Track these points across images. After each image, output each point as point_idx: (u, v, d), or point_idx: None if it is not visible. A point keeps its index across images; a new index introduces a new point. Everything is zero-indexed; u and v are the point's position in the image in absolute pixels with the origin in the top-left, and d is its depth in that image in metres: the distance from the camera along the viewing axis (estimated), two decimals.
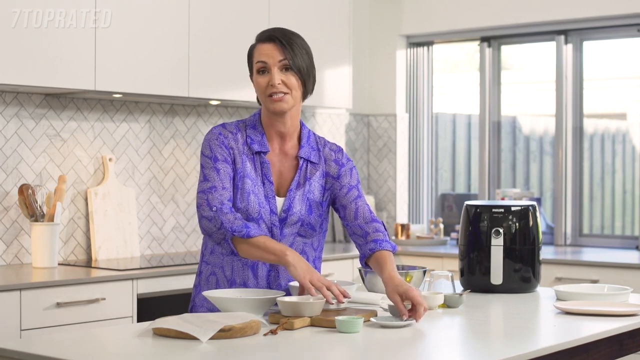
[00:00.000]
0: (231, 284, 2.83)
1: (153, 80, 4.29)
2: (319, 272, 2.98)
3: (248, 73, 2.93)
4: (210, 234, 2.74)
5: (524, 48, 6.72)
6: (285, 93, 2.77)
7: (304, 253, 2.87)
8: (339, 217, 2.95)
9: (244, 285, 2.82)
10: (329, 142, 2.96)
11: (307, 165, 2.87)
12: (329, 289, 2.61)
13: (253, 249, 2.70)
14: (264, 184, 2.81)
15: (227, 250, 2.74)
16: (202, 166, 2.81)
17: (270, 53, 2.77)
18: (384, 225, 2.89)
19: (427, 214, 6.05)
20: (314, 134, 2.94)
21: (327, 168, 2.90)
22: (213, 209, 2.72)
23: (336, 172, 2.90)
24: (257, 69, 2.80)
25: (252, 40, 2.95)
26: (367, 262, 2.83)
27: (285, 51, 2.76)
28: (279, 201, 2.82)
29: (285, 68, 2.77)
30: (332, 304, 2.61)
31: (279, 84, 2.76)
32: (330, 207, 2.96)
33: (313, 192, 2.86)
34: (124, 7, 4.16)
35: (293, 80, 2.78)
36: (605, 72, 6.48)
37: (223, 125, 2.86)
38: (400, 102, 6.01)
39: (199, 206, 2.76)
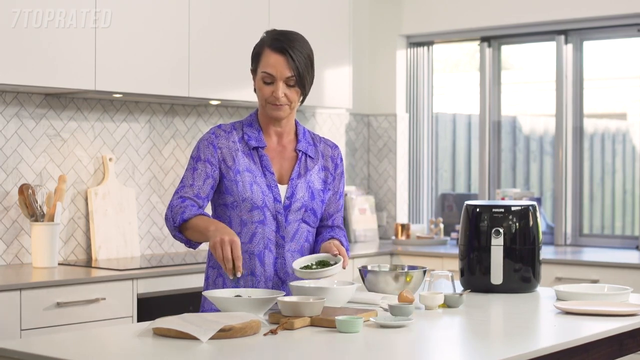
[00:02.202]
0: (238, 278, 2.84)
1: (153, 80, 4.29)
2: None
3: (248, 73, 2.94)
4: (173, 237, 2.83)
5: (524, 48, 6.72)
6: (285, 104, 2.84)
7: (307, 241, 2.94)
8: None
9: (252, 274, 2.85)
10: (324, 138, 3.05)
11: (305, 158, 2.95)
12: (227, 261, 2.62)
13: (191, 232, 2.77)
14: (265, 175, 2.87)
15: (184, 243, 2.82)
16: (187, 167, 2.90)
17: (279, 67, 2.80)
18: (347, 238, 3.03)
19: (427, 214, 6.05)
20: (308, 131, 3.02)
21: (325, 163, 2.99)
22: (168, 207, 2.82)
23: (333, 170, 3.00)
24: (262, 77, 2.83)
25: (252, 40, 2.96)
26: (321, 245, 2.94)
27: (293, 68, 2.80)
28: (282, 189, 2.89)
29: (291, 84, 2.82)
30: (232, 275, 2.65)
31: (282, 97, 2.82)
32: None
33: (313, 182, 2.93)
34: (124, 7, 4.16)
35: (295, 94, 2.85)
36: (605, 72, 6.48)
37: (219, 125, 2.93)
38: (400, 102, 6.01)
39: None
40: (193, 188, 2.82)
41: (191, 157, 2.89)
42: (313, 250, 2.97)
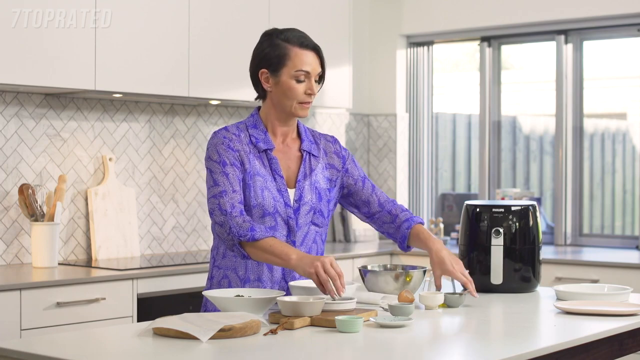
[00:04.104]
0: (244, 283, 2.84)
1: (153, 80, 4.29)
2: None
3: (248, 72, 2.93)
4: (223, 240, 2.78)
5: (524, 48, 6.72)
6: (311, 101, 2.89)
7: (315, 243, 2.93)
8: (360, 212, 3.05)
9: (259, 280, 2.84)
10: (323, 134, 3.05)
11: (309, 158, 2.94)
12: (333, 281, 2.62)
13: (260, 252, 2.73)
14: (275, 179, 2.86)
15: (239, 255, 2.77)
16: (210, 171, 2.82)
17: (314, 64, 2.86)
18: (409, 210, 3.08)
19: (427, 214, 6.05)
20: (307, 128, 3.03)
21: (330, 160, 2.98)
22: (224, 214, 2.75)
23: (341, 165, 3.00)
24: (296, 76, 2.84)
25: (252, 40, 2.96)
26: (408, 242, 2.99)
27: (321, 63, 2.89)
28: (290, 192, 2.88)
29: (317, 80, 2.88)
30: (334, 298, 2.63)
31: (315, 93, 2.88)
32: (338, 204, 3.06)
33: (319, 181, 2.93)
34: (124, 7, 4.16)
35: (317, 89, 2.91)
36: (605, 72, 6.48)
37: (225, 128, 2.89)
38: (400, 102, 6.01)
39: (211, 212, 2.79)
40: (236, 194, 2.78)
41: (213, 161, 2.81)
42: (319, 251, 2.96)
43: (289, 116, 2.89)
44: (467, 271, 2.95)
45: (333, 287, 2.61)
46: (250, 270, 2.84)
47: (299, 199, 2.87)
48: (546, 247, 5.20)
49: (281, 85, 2.85)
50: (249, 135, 2.88)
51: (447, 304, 2.90)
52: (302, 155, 2.93)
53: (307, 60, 2.84)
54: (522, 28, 5.58)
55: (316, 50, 2.87)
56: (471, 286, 2.90)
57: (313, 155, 2.95)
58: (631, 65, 6.05)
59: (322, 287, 2.62)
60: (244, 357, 2.21)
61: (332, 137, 3.05)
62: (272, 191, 2.83)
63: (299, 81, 2.84)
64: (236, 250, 2.76)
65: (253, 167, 2.84)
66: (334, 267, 2.62)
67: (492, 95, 5.79)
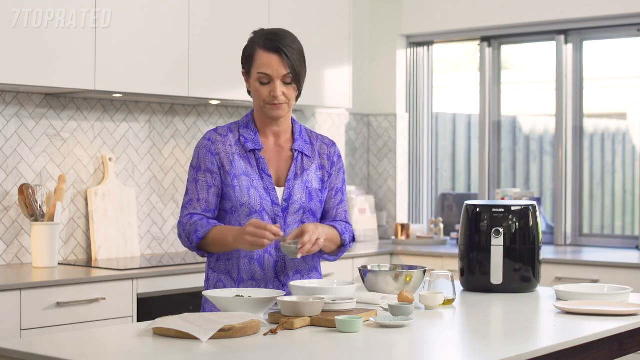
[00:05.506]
0: (239, 284, 2.85)
1: (153, 80, 4.29)
2: (319, 269, 3.00)
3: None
4: (191, 251, 2.85)
5: (524, 48, 6.72)
6: (283, 103, 2.84)
7: None
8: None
9: (252, 279, 2.85)
10: (322, 136, 3.03)
11: (302, 158, 2.93)
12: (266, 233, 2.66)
13: (212, 247, 2.83)
14: (262, 178, 2.86)
15: (203, 256, 2.88)
16: (188, 177, 2.91)
17: (275, 67, 2.81)
18: (353, 233, 2.99)
19: (427, 214, 6.05)
20: (306, 128, 3.01)
21: (322, 161, 2.98)
22: (179, 226, 2.86)
23: (329, 168, 2.98)
24: (258, 78, 2.83)
25: None
26: None
27: (289, 65, 2.81)
28: (279, 191, 2.88)
29: (287, 82, 2.83)
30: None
31: (281, 96, 2.83)
32: None
33: (311, 181, 2.92)
34: (124, 7, 4.16)
35: (292, 91, 2.86)
36: (605, 72, 6.48)
37: (215, 129, 2.92)
38: (400, 102, 6.01)
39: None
40: (200, 203, 2.84)
41: (191, 166, 2.89)
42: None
43: (266, 116, 2.89)
44: (324, 239, 2.75)
45: (271, 235, 2.65)
46: (243, 270, 2.85)
47: (288, 198, 2.87)
48: (546, 247, 5.20)
49: (251, 86, 2.90)
50: (239, 135, 2.89)
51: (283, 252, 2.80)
52: (294, 155, 2.93)
53: (267, 63, 2.82)
54: (522, 28, 5.58)
55: (280, 52, 2.80)
56: (304, 245, 2.70)
57: (306, 155, 2.93)
58: (631, 65, 6.05)
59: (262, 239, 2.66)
60: (244, 357, 2.21)
61: (331, 140, 3.03)
62: (258, 190, 2.84)
63: (262, 83, 2.84)
64: (200, 255, 2.86)
65: (238, 168, 2.85)
66: (260, 227, 2.65)
67: (492, 95, 5.79)
